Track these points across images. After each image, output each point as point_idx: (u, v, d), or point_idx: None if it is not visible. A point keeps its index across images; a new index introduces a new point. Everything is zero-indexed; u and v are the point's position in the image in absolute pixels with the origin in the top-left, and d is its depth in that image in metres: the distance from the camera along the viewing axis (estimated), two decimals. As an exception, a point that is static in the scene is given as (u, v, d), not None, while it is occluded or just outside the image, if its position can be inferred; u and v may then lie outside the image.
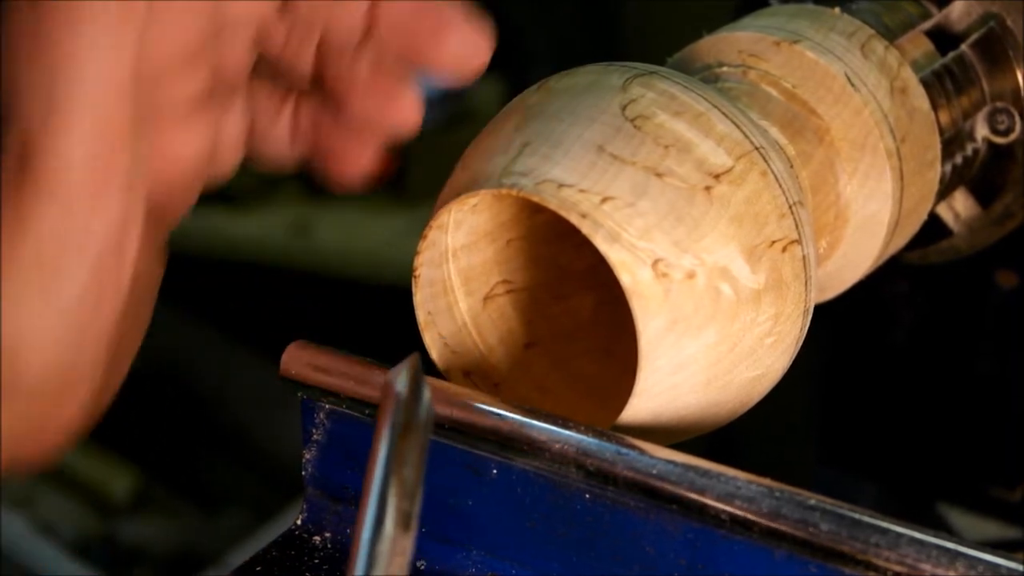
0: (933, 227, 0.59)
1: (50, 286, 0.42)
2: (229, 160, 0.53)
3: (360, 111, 0.48)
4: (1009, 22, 0.58)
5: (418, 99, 0.48)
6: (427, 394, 0.39)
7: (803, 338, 0.46)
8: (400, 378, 0.38)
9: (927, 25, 0.57)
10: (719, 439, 0.52)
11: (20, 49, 0.41)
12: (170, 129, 0.50)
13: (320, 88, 0.51)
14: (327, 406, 0.45)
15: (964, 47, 0.57)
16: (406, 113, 0.48)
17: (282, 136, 0.52)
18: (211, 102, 0.50)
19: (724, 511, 0.40)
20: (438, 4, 0.47)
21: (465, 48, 0.47)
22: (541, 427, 0.42)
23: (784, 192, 0.45)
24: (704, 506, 0.40)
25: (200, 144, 0.50)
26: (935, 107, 0.54)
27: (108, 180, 0.43)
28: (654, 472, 0.41)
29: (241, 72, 0.50)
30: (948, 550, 0.37)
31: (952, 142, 0.56)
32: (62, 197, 0.42)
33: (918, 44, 0.57)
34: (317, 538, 0.46)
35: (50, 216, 0.42)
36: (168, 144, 0.50)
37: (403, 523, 0.37)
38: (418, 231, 0.47)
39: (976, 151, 0.58)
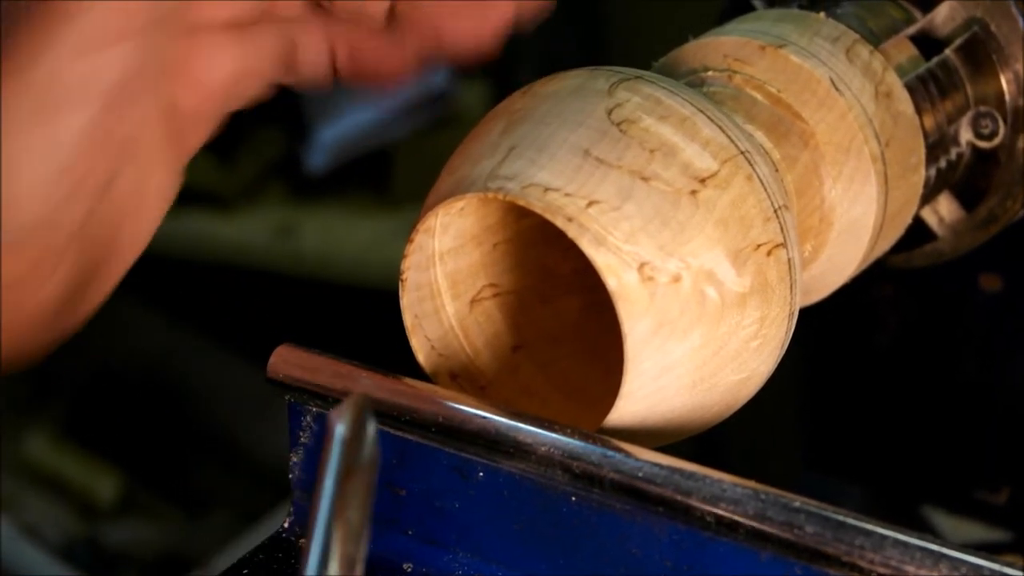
0: (917, 231, 0.59)
1: (48, 128, 0.42)
2: (257, 86, 0.53)
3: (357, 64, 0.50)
4: (993, 27, 0.58)
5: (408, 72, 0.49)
6: (372, 432, 0.38)
7: (788, 341, 0.46)
8: (342, 419, 0.38)
9: (911, 30, 0.57)
10: (704, 443, 0.52)
11: None
12: (200, 45, 0.50)
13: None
14: (314, 409, 0.45)
15: (948, 52, 0.57)
16: (397, 77, 0.50)
17: (319, 59, 0.53)
18: (248, 32, 0.50)
19: (710, 513, 0.40)
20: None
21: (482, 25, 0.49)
22: (528, 430, 0.42)
23: (769, 196, 0.45)
24: (690, 508, 0.40)
25: (228, 69, 0.50)
26: (919, 111, 0.54)
27: (123, 33, 0.43)
28: (640, 475, 0.41)
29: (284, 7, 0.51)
30: (932, 552, 0.38)
31: (936, 146, 0.56)
32: (76, 36, 0.42)
33: (902, 49, 0.57)
34: (304, 541, 0.46)
35: (62, 54, 0.42)
36: (196, 59, 0.50)
37: (348, 566, 0.37)
38: (404, 234, 0.47)
39: (960, 155, 0.58)
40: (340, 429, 0.37)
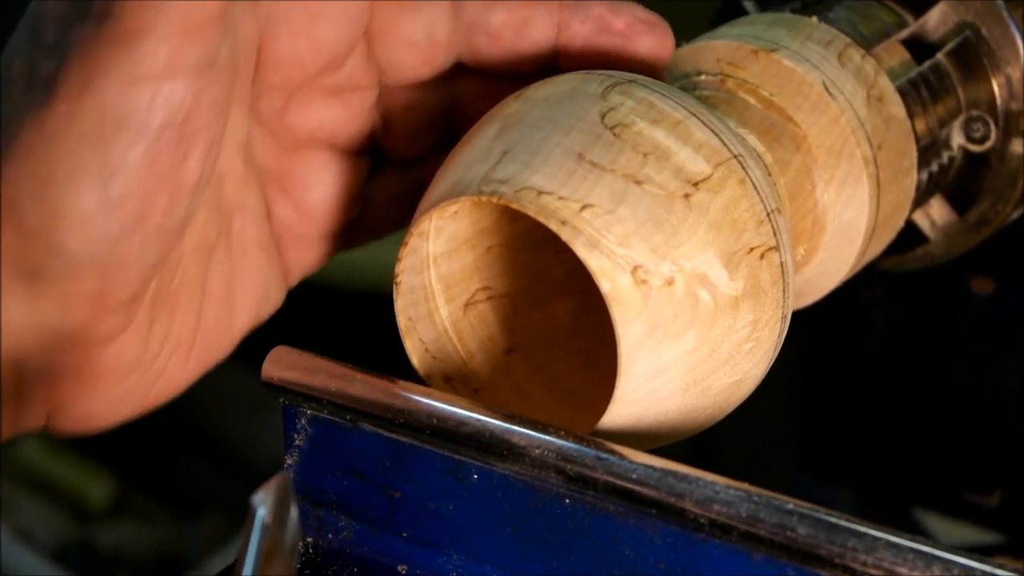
0: (909, 234, 0.59)
1: (99, 155, 0.42)
2: (377, 228, 0.53)
3: None
4: (984, 31, 0.58)
5: None
6: (294, 515, 0.37)
7: (781, 344, 0.46)
8: (264, 502, 0.36)
9: (903, 34, 0.57)
10: (697, 445, 0.52)
11: None
12: (299, 159, 0.50)
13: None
14: (309, 412, 0.45)
15: (940, 56, 0.57)
16: None
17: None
18: (353, 98, 0.50)
19: (703, 515, 0.40)
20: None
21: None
22: (521, 432, 0.42)
23: (762, 199, 0.45)
24: (683, 510, 0.40)
25: (329, 194, 0.50)
26: (911, 115, 0.54)
27: (174, 68, 0.42)
28: (633, 477, 0.41)
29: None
30: (924, 554, 0.38)
31: (928, 150, 0.57)
32: (128, 66, 0.41)
33: (894, 53, 0.57)
34: (299, 543, 0.46)
35: (113, 83, 0.41)
36: (293, 173, 0.50)
37: None
38: (398, 238, 0.47)
39: (952, 159, 0.58)
40: (262, 512, 0.36)
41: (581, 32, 0.50)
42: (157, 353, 0.47)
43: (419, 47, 0.50)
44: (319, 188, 0.50)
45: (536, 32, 0.50)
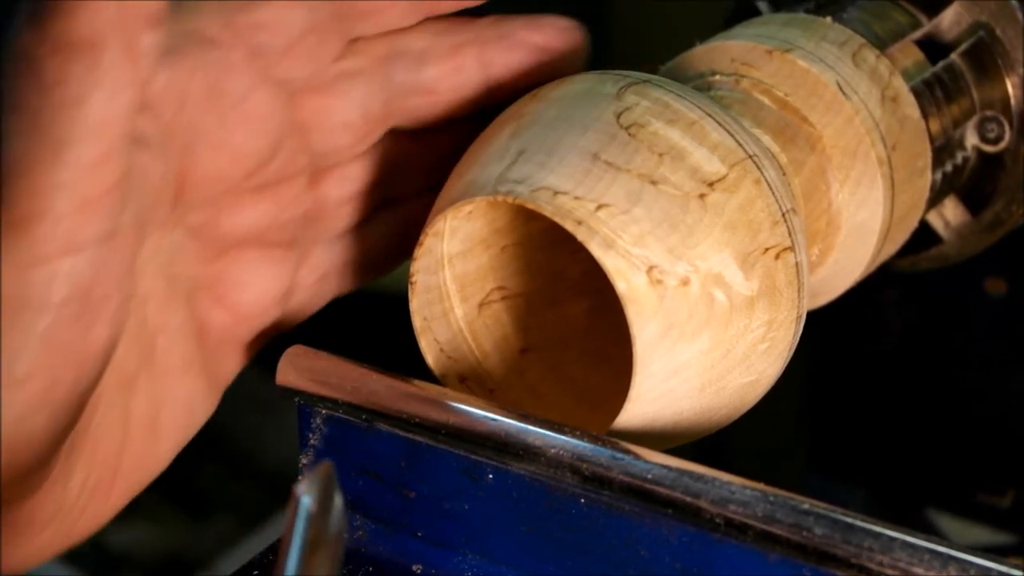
0: (923, 234, 0.59)
1: (1, 343, 0.40)
2: (314, 303, 0.51)
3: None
4: (998, 31, 0.58)
5: None
6: (339, 504, 0.36)
7: (796, 344, 0.46)
8: (308, 492, 0.36)
9: (917, 34, 0.57)
10: (709, 445, 0.52)
11: (16, 88, 0.39)
12: (228, 262, 0.48)
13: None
14: (324, 411, 0.45)
15: (954, 56, 0.57)
16: None
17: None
18: (290, 249, 0.49)
19: (719, 515, 0.40)
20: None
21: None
22: (537, 432, 0.42)
23: (777, 200, 0.45)
24: (699, 510, 0.40)
25: (262, 291, 0.49)
26: (925, 116, 0.54)
27: (73, 246, 0.40)
28: (649, 476, 0.41)
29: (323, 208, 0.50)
30: (940, 554, 0.38)
31: (942, 150, 0.57)
32: (25, 249, 0.40)
33: (908, 53, 0.57)
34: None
35: (12, 264, 0.40)
36: (223, 278, 0.48)
37: None
38: (412, 238, 0.47)
39: (966, 159, 0.58)
40: (306, 502, 0.35)
41: (510, 62, 0.49)
42: (76, 498, 0.45)
43: (355, 127, 0.48)
44: (253, 288, 0.48)
45: (468, 75, 0.49)
